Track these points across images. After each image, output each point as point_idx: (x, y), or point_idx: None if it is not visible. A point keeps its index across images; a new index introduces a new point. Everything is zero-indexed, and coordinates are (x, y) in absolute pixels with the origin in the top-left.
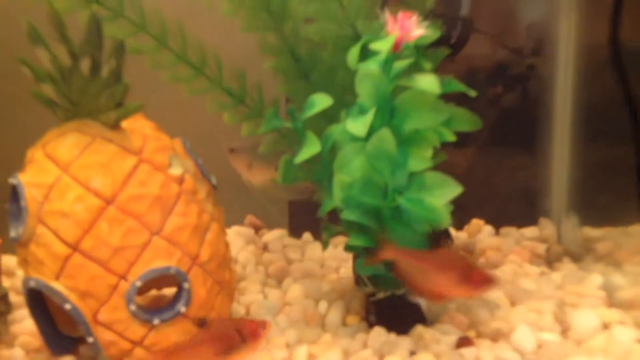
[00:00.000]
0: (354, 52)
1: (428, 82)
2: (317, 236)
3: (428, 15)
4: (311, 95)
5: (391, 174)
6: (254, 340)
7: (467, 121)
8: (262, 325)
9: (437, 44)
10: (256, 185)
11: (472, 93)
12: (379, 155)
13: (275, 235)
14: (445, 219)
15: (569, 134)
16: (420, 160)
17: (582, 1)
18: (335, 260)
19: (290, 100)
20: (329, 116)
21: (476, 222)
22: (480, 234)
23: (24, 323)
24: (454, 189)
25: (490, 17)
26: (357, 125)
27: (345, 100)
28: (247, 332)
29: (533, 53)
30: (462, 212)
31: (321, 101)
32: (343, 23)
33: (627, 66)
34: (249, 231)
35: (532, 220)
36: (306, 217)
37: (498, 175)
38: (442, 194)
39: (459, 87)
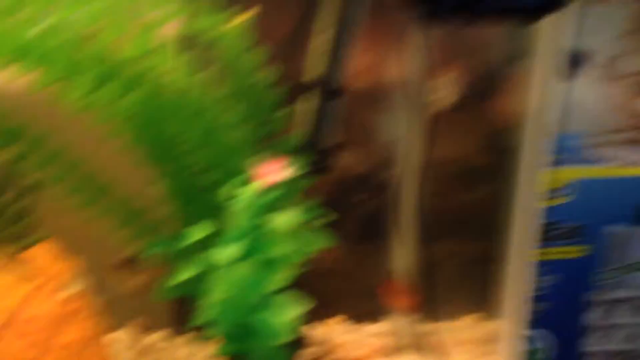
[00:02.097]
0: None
1: (283, 221)
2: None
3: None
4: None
5: (249, 296)
6: None
7: (322, 241)
8: None
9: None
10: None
11: (332, 216)
12: (241, 280)
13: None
14: (291, 333)
15: (412, 235)
16: (274, 282)
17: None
18: None
19: None
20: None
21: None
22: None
23: None
24: (299, 307)
25: (356, 134)
26: (222, 254)
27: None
28: None
29: (388, 166)
30: (324, 308)
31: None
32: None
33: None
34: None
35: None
36: None
37: (359, 271)
38: (289, 311)
39: (320, 212)
